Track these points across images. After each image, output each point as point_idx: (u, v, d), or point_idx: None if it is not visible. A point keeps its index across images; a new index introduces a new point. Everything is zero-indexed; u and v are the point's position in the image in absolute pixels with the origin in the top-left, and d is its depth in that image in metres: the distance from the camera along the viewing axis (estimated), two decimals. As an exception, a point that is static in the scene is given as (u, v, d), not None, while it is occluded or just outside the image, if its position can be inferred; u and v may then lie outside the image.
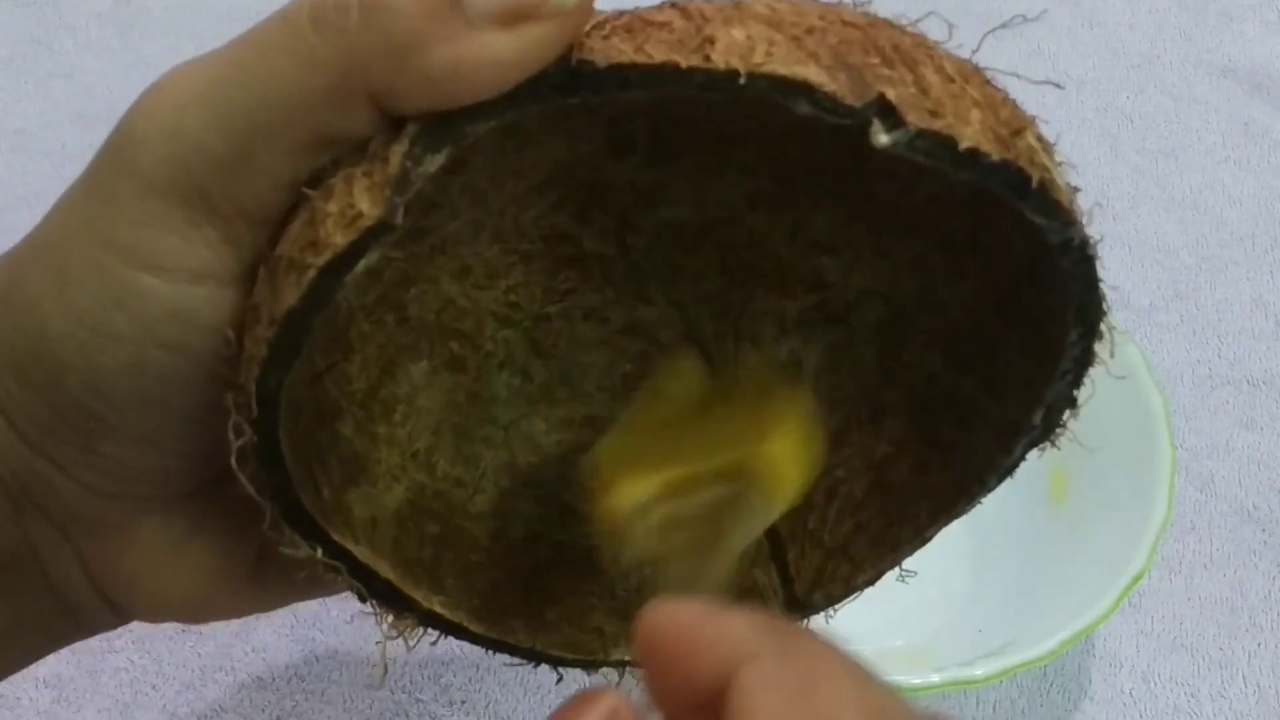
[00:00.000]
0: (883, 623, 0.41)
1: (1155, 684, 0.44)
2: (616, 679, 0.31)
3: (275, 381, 0.23)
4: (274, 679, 0.44)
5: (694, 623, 0.19)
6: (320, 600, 0.43)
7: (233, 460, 0.24)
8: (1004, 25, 0.31)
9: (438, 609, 0.28)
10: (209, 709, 0.43)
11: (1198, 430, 0.51)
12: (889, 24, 0.23)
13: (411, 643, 0.28)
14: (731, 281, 0.32)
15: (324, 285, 0.22)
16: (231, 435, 0.23)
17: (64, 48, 0.66)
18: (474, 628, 0.29)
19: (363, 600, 0.27)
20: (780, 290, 0.31)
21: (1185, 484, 0.49)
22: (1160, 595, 0.46)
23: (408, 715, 0.43)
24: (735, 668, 0.19)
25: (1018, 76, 0.24)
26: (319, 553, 0.25)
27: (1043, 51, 0.66)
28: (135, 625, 0.45)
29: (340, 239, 0.21)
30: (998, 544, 0.46)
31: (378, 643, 0.28)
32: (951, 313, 0.29)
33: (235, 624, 0.45)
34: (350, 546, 0.26)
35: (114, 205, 0.23)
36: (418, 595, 0.28)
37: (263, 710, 0.43)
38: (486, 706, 0.43)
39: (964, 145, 0.21)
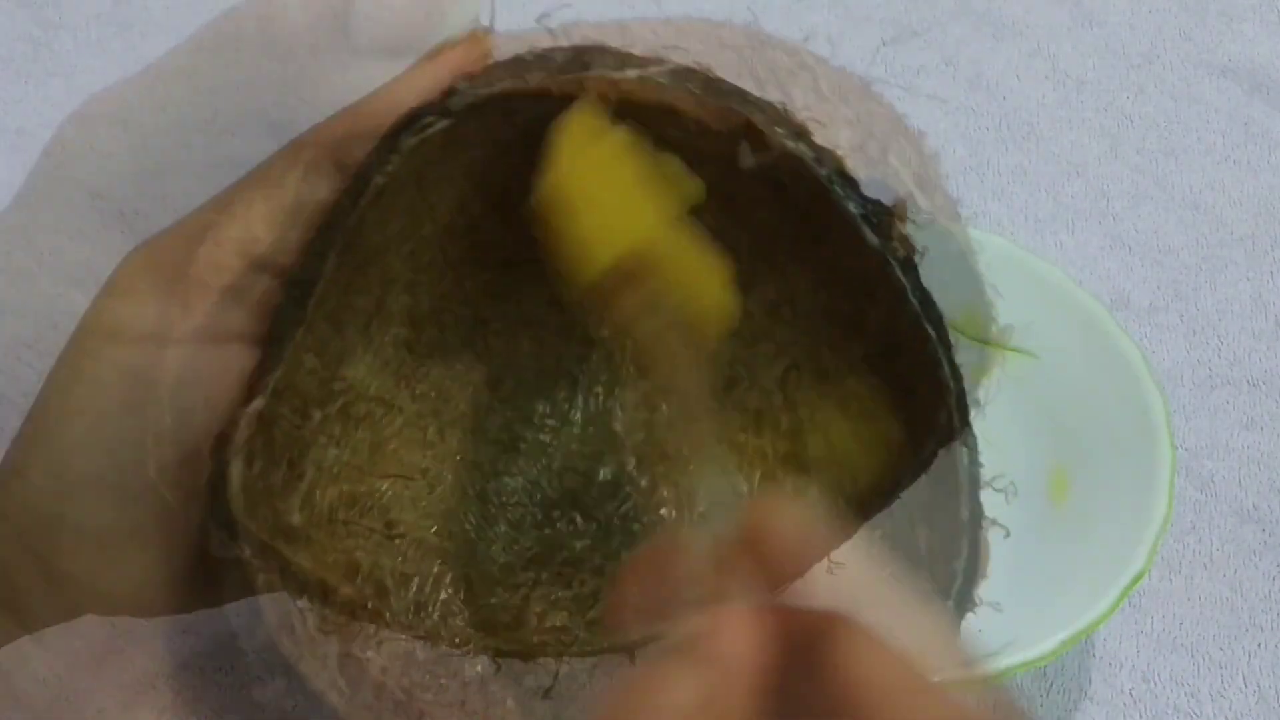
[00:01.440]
0: (882, 623, 0.41)
1: (1155, 684, 0.44)
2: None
3: None
4: (274, 679, 0.44)
5: None
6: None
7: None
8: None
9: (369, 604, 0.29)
10: (209, 709, 0.43)
11: (1198, 430, 0.51)
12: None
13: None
14: None
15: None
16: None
17: (64, 48, 0.66)
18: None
19: (296, 597, 0.28)
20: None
21: (1185, 484, 0.49)
22: (1160, 595, 0.46)
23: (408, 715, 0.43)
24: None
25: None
26: (246, 553, 0.27)
27: (1043, 51, 0.66)
28: (135, 625, 0.45)
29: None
30: (997, 543, 0.46)
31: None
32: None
33: (235, 624, 0.45)
34: (280, 546, 0.28)
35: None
36: (347, 589, 0.29)
37: (263, 710, 0.43)
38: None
39: (824, 170, 0.22)
